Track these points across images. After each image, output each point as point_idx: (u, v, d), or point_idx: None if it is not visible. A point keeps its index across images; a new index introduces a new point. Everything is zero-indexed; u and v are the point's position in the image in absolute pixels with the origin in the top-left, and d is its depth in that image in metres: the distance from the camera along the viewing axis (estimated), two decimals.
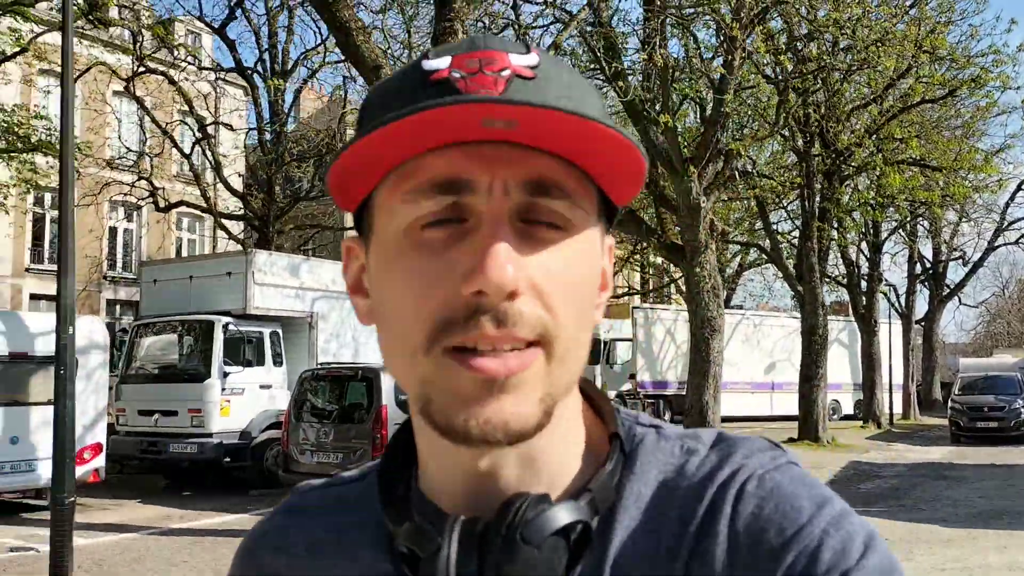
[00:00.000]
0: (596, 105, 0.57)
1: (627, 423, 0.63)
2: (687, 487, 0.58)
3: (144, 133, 19.70)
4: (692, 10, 12.46)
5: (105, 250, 24.09)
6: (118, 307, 24.98)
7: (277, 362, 12.55)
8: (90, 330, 11.14)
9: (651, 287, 32.23)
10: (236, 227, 25.11)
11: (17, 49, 14.78)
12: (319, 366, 11.89)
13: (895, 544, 8.36)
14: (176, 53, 18.53)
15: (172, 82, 17.65)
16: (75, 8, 14.67)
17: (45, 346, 10.59)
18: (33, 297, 22.38)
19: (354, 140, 0.52)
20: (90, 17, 15.40)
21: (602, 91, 11.91)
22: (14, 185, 17.07)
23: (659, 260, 29.65)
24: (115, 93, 20.96)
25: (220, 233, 26.62)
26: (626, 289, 31.05)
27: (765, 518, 0.55)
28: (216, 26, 17.94)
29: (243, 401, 11.85)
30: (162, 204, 18.51)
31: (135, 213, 23.82)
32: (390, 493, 0.62)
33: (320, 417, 10.51)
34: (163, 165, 21.44)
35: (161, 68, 17.33)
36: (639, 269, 30.57)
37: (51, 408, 10.51)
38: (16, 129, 15.24)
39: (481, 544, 0.54)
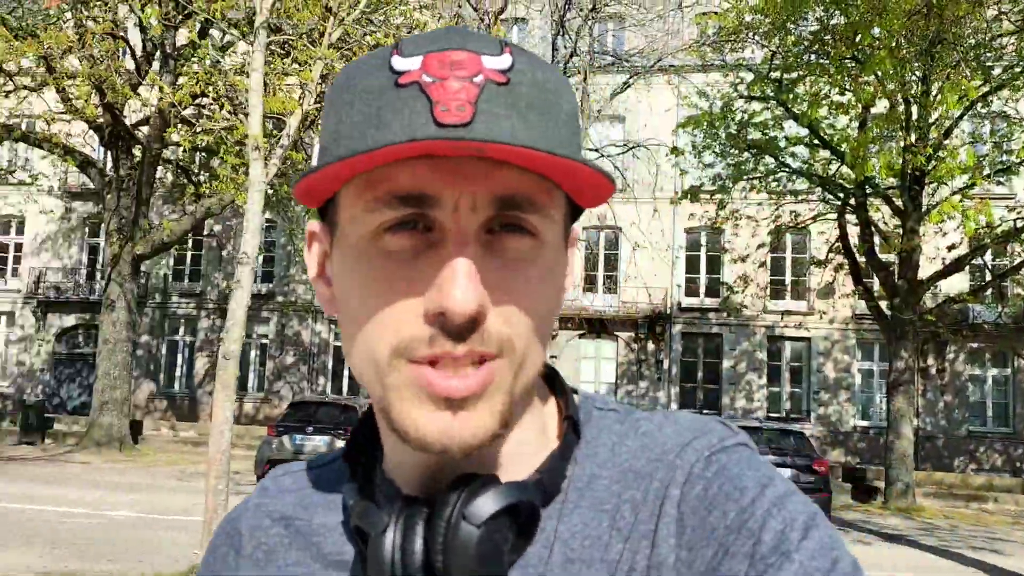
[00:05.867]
0: (568, 110, 0.56)
1: (585, 407, 0.63)
2: (639, 468, 0.58)
3: None
4: None
5: None
6: None
7: None
8: None
9: None
10: None
11: None
12: None
13: None
14: None
15: None
16: None
17: None
18: None
19: (315, 169, 0.52)
20: None
21: None
22: None
23: None
24: None
25: None
26: None
27: (711, 499, 0.55)
28: None
29: None
30: None
31: None
32: (355, 473, 0.63)
33: None
34: None
35: None
36: None
37: None
38: None
39: (427, 524, 0.54)
